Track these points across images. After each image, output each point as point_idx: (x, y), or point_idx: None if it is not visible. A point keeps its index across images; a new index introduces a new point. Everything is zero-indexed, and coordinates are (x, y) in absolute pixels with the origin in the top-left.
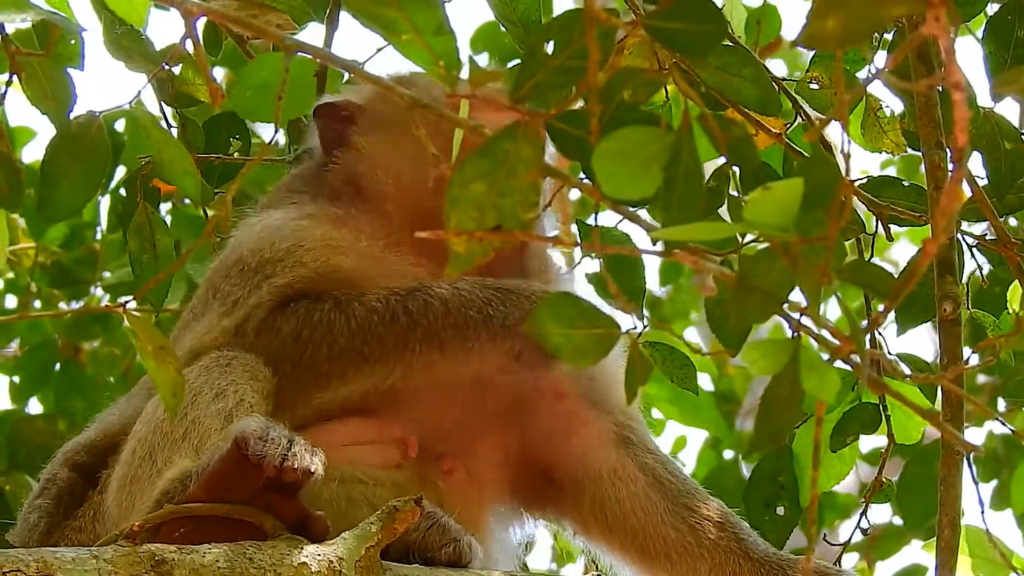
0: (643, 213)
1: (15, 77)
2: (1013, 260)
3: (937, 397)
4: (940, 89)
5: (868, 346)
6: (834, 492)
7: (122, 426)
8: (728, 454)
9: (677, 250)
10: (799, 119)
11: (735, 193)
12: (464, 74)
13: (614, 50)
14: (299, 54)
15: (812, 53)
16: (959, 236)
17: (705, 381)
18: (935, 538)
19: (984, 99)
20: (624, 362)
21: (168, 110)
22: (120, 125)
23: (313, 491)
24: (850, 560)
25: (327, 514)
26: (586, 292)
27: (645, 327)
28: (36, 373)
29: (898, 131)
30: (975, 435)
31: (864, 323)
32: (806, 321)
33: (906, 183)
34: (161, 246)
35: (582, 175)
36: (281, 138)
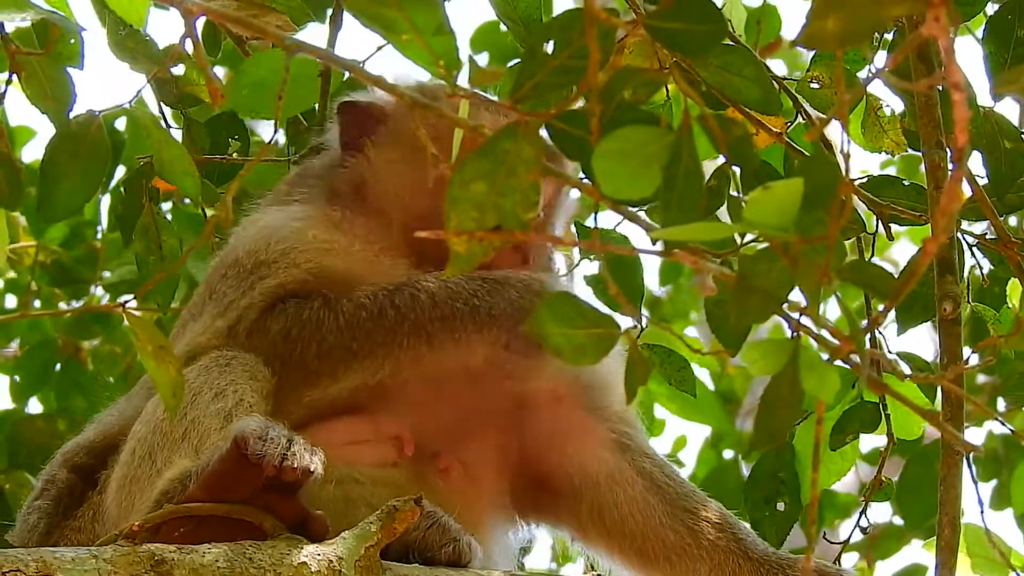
0: (643, 213)
1: (15, 76)
2: (1013, 259)
3: (937, 397)
4: (940, 89)
5: (868, 346)
6: (834, 491)
7: (121, 427)
8: (728, 454)
9: (677, 250)
10: (800, 118)
11: (735, 193)
12: (464, 74)
13: (614, 50)
14: (299, 54)
15: (812, 53)
16: (959, 235)
17: (705, 377)
18: (935, 538)
19: (984, 99)
20: (621, 367)
21: (168, 110)
22: (120, 124)
23: (311, 491)
24: (850, 559)
25: (324, 514)
26: (584, 294)
27: (644, 328)
28: (36, 372)
29: (898, 130)
30: (975, 435)
31: (864, 323)
32: (806, 321)
33: (906, 182)
34: (167, 247)
35: (582, 175)
36: (281, 138)
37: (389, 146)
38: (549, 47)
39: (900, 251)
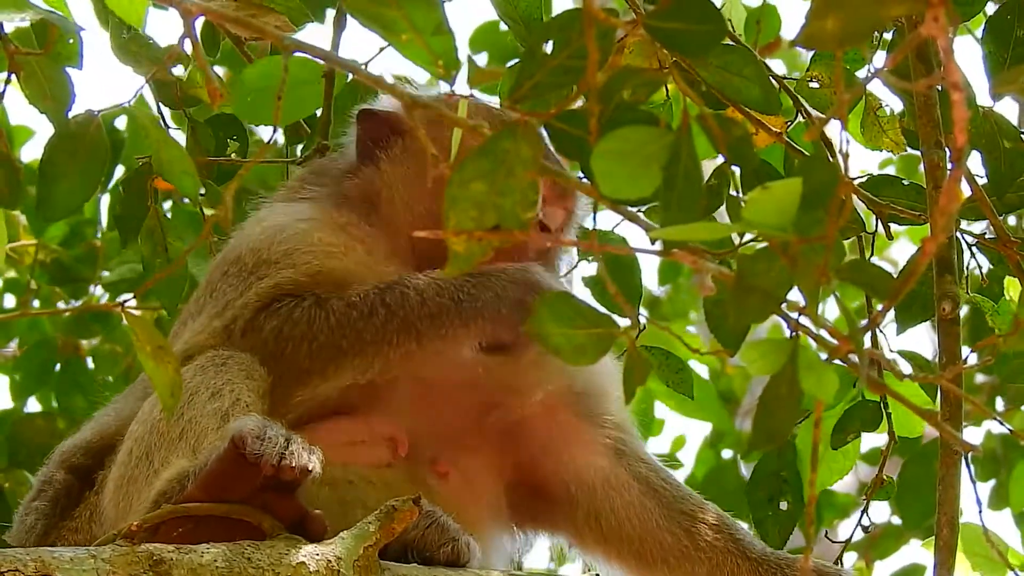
0: (642, 213)
1: (14, 76)
2: (1012, 259)
3: (936, 396)
4: (939, 88)
5: (869, 345)
6: (833, 491)
7: (118, 426)
8: (727, 453)
9: (676, 250)
10: (799, 118)
11: (734, 192)
12: (463, 74)
13: (614, 49)
14: (298, 54)
15: (812, 52)
16: (959, 235)
17: (705, 374)
18: (933, 537)
19: (983, 98)
20: (616, 375)
21: (167, 111)
22: (120, 123)
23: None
24: (848, 559)
25: (323, 513)
26: (582, 295)
27: (643, 328)
28: (36, 372)
29: (897, 130)
30: (973, 434)
31: (863, 322)
32: (804, 321)
33: (905, 182)
34: (173, 250)
35: (581, 175)
36: (280, 137)
37: (403, 159)
38: (548, 47)
39: (899, 251)
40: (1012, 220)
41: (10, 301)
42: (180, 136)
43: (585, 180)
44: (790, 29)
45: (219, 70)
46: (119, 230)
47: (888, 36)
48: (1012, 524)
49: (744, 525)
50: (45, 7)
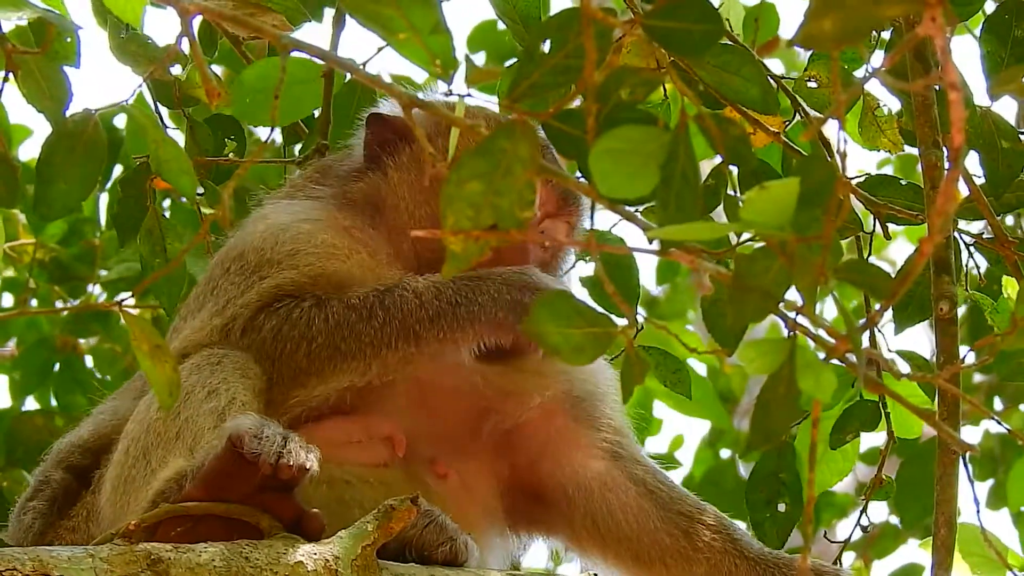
0: (640, 212)
1: (11, 75)
2: (1010, 258)
3: (934, 396)
4: (937, 88)
5: (867, 345)
6: (832, 491)
7: (115, 425)
8: (725, 453)
9: (674, 249)
10: (797, 117)
11: (731, 192)
12: (461, 73)
13: (611, 49)
14: (297, 53)
15: (810, 52)
16: (956, 235)
17: (703, 372)
18: (931, 537)
19: (981, 98)
20: (612, 379)
21: (165, 110)
22: (118, 122)
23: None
24: (846, 559)
25: (321, 512)
26: (580, 295)
27: (641, 328)
28: (34, 371)
29: (895, 130)
30: (971, 434)
31: (861, 322)
32: (802, 320)
33: (903, 182)
34: (171, 249)
35: (579, 174)
36: (278, 136)
37: (411, 167)
38: (546, 46)
39: (897, 250)
40: (1010, 220)
41: (8, 300)
42: (178, 135)
43: (583, 179)
44: (788, 28)
45: (217, 69)
46: (117, 229)
47: (886, 36)
48: (1010, 524)
49: (742, 525)
50: (43, 6)
